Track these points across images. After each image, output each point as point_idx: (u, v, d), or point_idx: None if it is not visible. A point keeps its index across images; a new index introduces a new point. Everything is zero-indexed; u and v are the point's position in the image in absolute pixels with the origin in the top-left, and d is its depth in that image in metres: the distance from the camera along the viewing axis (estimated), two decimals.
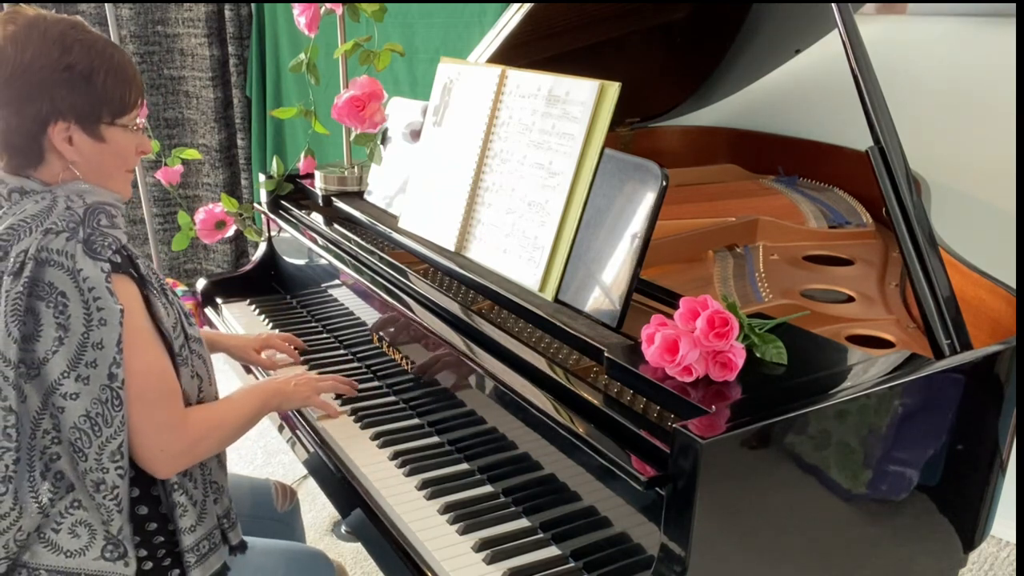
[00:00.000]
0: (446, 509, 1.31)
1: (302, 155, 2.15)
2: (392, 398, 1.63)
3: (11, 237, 1.13)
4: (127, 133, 1.23)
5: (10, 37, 1.14)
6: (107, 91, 1.18)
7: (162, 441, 1.19)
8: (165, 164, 2.27)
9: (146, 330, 1.18)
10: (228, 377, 1.75)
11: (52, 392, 1.12)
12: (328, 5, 2.03)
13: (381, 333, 1.66)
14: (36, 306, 1.11)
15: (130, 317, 1.14)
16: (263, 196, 2.16)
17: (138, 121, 1.25)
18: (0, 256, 1.12)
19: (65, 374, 1.11)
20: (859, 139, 1.29)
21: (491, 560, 1.20)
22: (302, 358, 1.80)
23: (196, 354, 1.28)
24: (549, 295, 1.35)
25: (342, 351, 1.84)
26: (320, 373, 1.74)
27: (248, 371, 1.86)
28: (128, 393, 1.14)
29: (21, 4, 1.22)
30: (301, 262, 2.07)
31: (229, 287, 2.20)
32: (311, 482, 2.61)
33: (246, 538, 1.36)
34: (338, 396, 1.62)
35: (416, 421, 1.56)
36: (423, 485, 1.37)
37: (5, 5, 3.37)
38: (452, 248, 1.55)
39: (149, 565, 1.24)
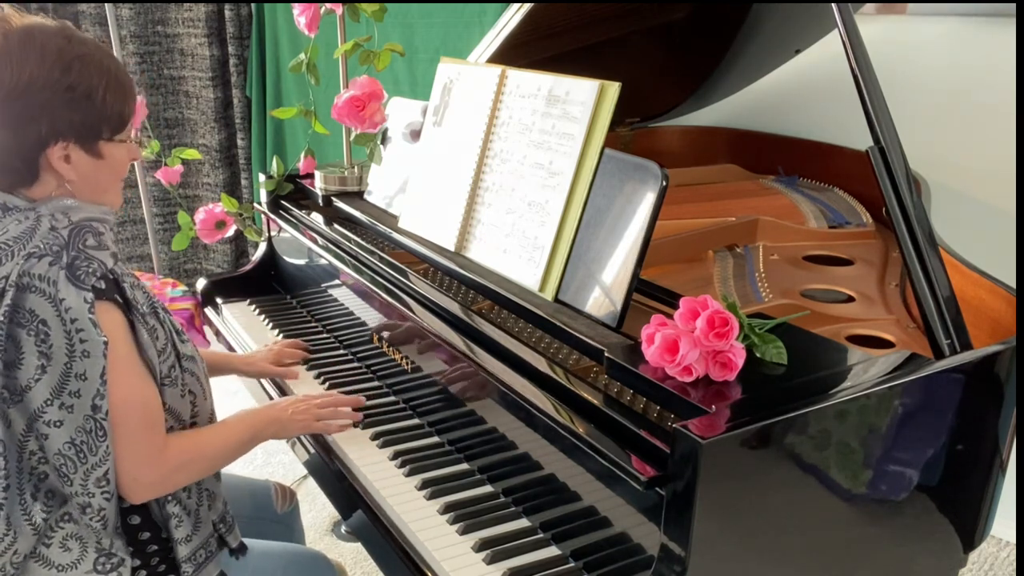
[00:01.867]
0: (446, 509, 1.31)
1: (302, 155, 2.15)
2: (392, 398, 1.63)
3: None
4: (122, 146, 1.21)
5: (3, 54, 1.10)
6: (107, 108, 1.16)
7: (136, 470, 1.16)
8: (165, 164, 2.27)
9: (129, 358, 1.15)
10: (229, 379, 1.75)
11: (36, 419, 1.10)
12: (328, 5, 2.03)
13: (381, 333, 1.66)
14: (17, 333, 1.08)
15: (113, 346, 1.11)
16: (263, 196, 2.16)
17: (133, 133, 1.23)
18: None
19: (48, 402, 1.09)
20: (859, 139, 1.29)
21: (491, 560, 1.20)
22: (306, 366, 1.79)
23: (188, 372, 1.25)
24: (549, 295, 1.35)
25: (342, 351, 1.84)
26: (320, 373, 1.74)
27: None
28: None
29: (12, 5, 1.18)
30: (301, 262, 2.07)
31: (229, 287, 2.20)
32: (311, 482, 2.62)
33: (245, 540, 1.36)
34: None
35: (416, 421, 1.56)
36: (423, 485, 1.37)
37: (5, 6, 3.38)
38: (452, 248, 1.55)
39: (143, 574, 1.23)
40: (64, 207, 1.15)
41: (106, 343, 1.09)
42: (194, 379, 1.27)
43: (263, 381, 1.78)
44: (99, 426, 1.10)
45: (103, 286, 1.12)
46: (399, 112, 1.91)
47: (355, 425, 1.54)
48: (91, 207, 1.18)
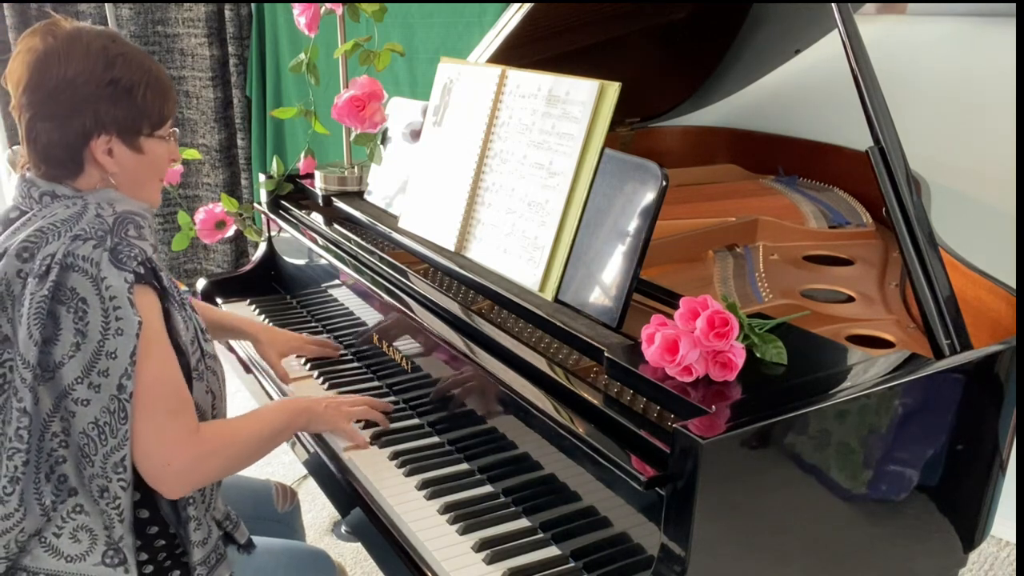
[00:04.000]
0: (446, 509, 1.31)
1: (302, 155, 2.15)
2: (392, 398, 1.63)
3: (39, 240, 1.13)
4: (162, 143, 1.25)
5: (52, 52, 1.16)
6: (147, 104, 1.21)
7: (168, 454, 1.17)
8: None
9: (161, 341, 1.17)
10: (229, 377, 1.75)
11: (65, 396, 1.12)
12: (328, 5, 2.03)
13: (381, 333, 1.66)
14: (57, 310, 1.11)
15: (147, 327, 1.13)
16: (263, 196, 2.16)
17: (173, 130, 1.27)
18: (27, 258, 1.12)
19: (79, 380, 1.11)
20: (859, 139, 1.29)
21: (491, 560, 1.20)
22: (307, 365, 1.79)
23: (211, 370, 1.27)
24: (549, 295, 1.35)
25: (342, 351, 1.84)
26: (321, 373, 1.74)
27: (247, 371, 1.86)
28: (137, 403, 1.13)
29: (53, 16, 1.22)
30: (301, 262, 2.07)
31: (229, 287, 2.20)
32: (311, 482, 2.62)
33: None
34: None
35: (416, 421, 1.56)
36: (423, 485, 1.37)
37: (5, 6, 3.38)
38: (452, 248, 1.55)
39: (150, 569, 1.23)
40: (110, 198, 1.20)
41: (140, 323, 1.12)
42: (215, 379, 1.29)
43: (264, 383, 1.78)
44: (122, 407, 1.11)
45: (142, 271, 1.15)
46: (399, 112, 1.91)
47: (356, 423, 1.53)
48: (133, 202, 1.23)
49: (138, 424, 1.14)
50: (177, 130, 1.30)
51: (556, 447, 1.20)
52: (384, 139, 1.91)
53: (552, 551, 1.23)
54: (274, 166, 2.13)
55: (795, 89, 2.47)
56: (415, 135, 1.78)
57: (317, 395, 1.60)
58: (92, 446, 1.13)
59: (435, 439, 1.50)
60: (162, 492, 1.19)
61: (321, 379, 1.73)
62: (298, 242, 1.99)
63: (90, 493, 1.16)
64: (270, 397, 1.71)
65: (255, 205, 2.24)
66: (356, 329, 1.79)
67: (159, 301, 1.18)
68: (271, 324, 2.00)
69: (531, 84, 1.45)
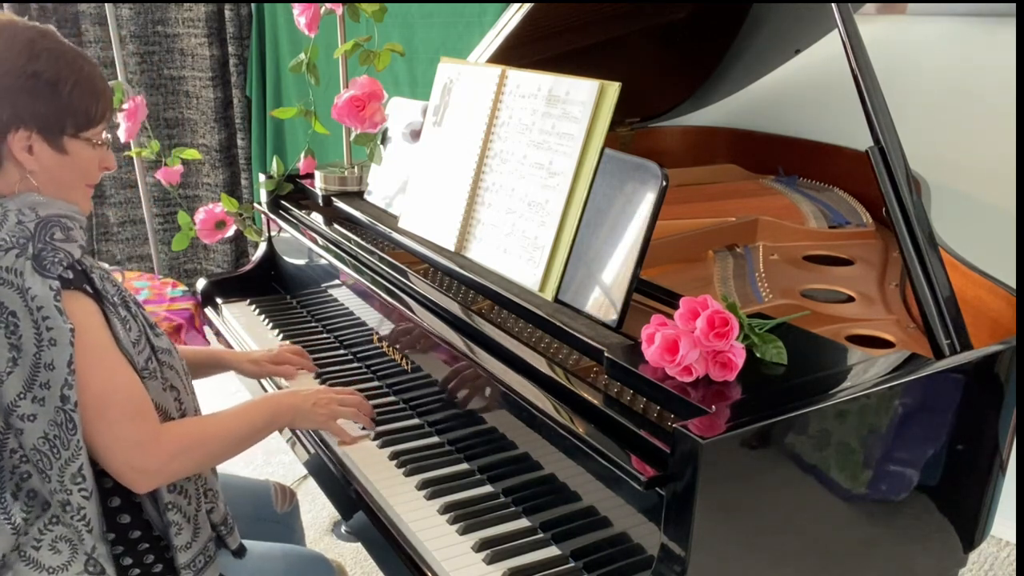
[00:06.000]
0: (446, 509, 1.31)
1: (302, 155, 2.15)
2: (392, 398, 1.63)
3: None
4: (90, 147, 1.20)
5: None
6: (72, 102, 1.15)
7: (132, 459, 1.15)
8: (165, 164, 2.27)
9: (103, 346, 1.13)
10: (228, 376, 1.75)
11: (10, 413, 1.09)
12: (328, 5, 2.03)
13: (381, 333, 1.66)
14: None
15: (86, 333, 1.10)
16: (263, 196, 2.16)
17: (104, 136, 1.22)
18: None
19: (21, 395, 1.08)
20: (859, 139, 1.29)
21: (491, 560, 1.20)
22: None
23: (167, 365, 1.24)
24: (549, 295, 1.35)
25: (342, 351, 1.84)
26: (320, 373, 1.74)
27: None
28: (93, 412, 1.11)
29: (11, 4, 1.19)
30: (301, 262, 2.07)
31: (229, 287, 2.20)
32: (311, 482, 2.62)
33: (245, 542, 1.36)
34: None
35: (416, 421, 1.56)
36: (423, 485, 1.37)
37: (6, 6, 3.38)
38: (452, 248, 1.55)
39: (136, 572, 1.22)
40: (32, 202, 1.15)
41: (72, 330, 1.08)
42: (173, 373, 1.25)
43: (264, 382, 1.77)
44: (68, 418, 1.09)
45: (71, 276, 1.11)
46: (399, 112, 1.91)
47: (356, 423, 1.53)
48: (60, 203, 1.17)
49: (98, 433, 1.12)
50: (110, 137, 1.23)
51: (556, 447, 1.20)
52: (384, 139, 1.91)
53: (552, 551, 1.23)
54: (274, 166, 2.13)
55: (795, 89, 2.47)
56: (415, 135, 1.78)
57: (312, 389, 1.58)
58: (46, 461, 1.11)
59: (435, 439, 1.50)
60: (132, 489, 1.18)
61: (321, 380, 1.73)
62: (298, 242, 1.99)
63: (58, 506, 1.14)
64: None
65: (255, 205, 2.24)
66: (356, 329, 1.79)
67: (95, 304, 1.13)
68: (271, 324, 2.01)
69: (531, 84, 1.45)
